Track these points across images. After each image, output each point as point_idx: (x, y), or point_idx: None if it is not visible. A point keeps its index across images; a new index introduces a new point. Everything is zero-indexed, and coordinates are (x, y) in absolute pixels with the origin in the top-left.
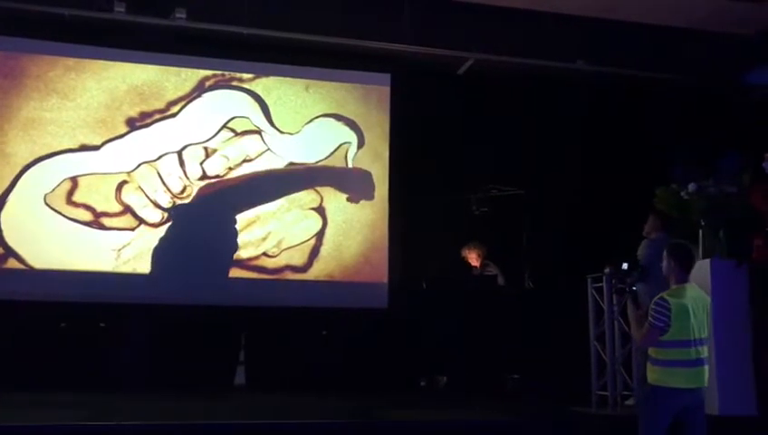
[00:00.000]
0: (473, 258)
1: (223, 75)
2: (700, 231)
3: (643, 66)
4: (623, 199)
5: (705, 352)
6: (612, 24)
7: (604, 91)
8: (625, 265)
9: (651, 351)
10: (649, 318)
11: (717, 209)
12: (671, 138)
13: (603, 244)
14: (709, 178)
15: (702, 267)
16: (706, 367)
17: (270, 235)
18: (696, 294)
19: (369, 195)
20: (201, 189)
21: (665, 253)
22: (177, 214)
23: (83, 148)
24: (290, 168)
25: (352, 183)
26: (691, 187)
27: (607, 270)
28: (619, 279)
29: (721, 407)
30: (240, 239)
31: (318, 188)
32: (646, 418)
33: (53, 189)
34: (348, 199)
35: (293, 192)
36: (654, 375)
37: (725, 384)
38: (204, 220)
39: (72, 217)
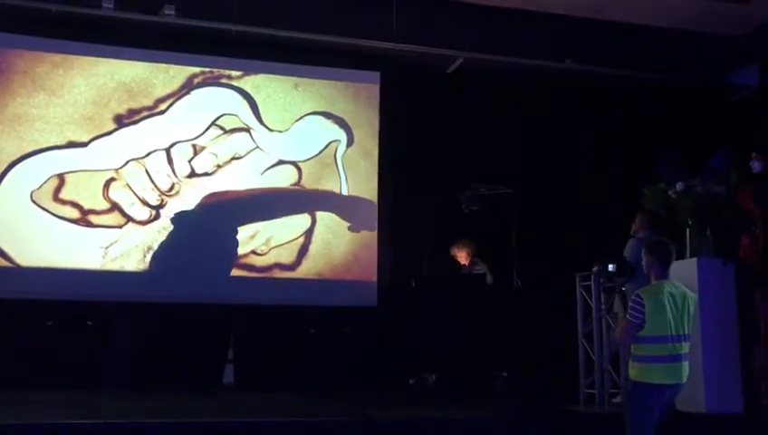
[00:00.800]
0: (462, 257)
1: (212, 72)
2: (687, 230)
3: (631, 66)
4: (611, 198)
5: (684, 348)
6: (601, 24)
7: (592, 91)
8: (611, 267)
9: (631, 347)
10: (627, 315)
11: (705, 208)
12: (659, 137)
13: (591, 242)
14: (696, 177)
15: (689, 266)
16: (685, 363)
17: (258, 233)
18: (675, 291)
19: (370, 225)
20: (194, 192)
21: (643, 250)
22: (166, 212)
23: (71, 144)
24: (293, 189)
25: (354, 211)
26: (679, 186)
27: (595, 269)
28: (608, 278)
29: (708, 405)
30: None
31: (306, 186)
32: (631, 415)
33: (40, 186)
34: (349, 229)
35: (294, 214)
36: (633, 371)
37: (713, 383)
38: (194, 219)
39: (58, 214)
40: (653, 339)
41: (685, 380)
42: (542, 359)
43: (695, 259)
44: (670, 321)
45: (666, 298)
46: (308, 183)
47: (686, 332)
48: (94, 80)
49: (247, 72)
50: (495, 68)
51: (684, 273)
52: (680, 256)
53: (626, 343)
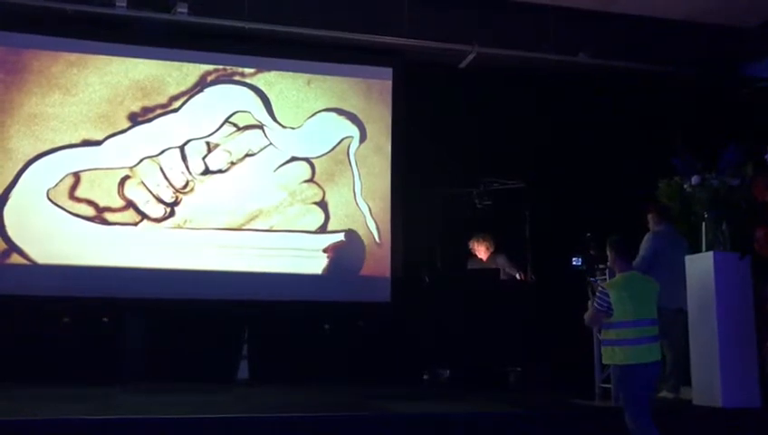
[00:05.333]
0: (481, 251)
1: (225, 70)
2: (703, 223)
3: (644, 59)
4: (625, 192)
5: (650, 331)
6: (613, 17)
7: (605, 84)
8: (577, 260)
9: (602, 333)
10: (594, 304)
11: (720, 202)
12: (673, 130)
13: (605, 236)
14: (712, 170)
15: (705, 260)
16: (654, 344)
17: (273, 228)
18: (636, 282)
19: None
20: (209, 189)
21: (607, 248)
22: (180, 209)
23: (86, 143)
24: None
25: None
26: (694, 179)
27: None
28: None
29: (724, 399)
30: (243, 233)
31: (319, 183)
32: (624, 395)
33: (56, 185)
34: None
35: None
36: (605, 355)
37: (729, 377)
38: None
39: (74, 212)
40: (620, 324)
41: (655, 358)
42: (556, 353)
43: (710, 253)
44: (636, 308)
45: (629, 288)
46: (321, 180)
47: (652, 316)
48: (108, 78)
49: (260, 69)
50: (507, 63)
51: (700, 266)
52: (696, 250)
53: (594, 326)
